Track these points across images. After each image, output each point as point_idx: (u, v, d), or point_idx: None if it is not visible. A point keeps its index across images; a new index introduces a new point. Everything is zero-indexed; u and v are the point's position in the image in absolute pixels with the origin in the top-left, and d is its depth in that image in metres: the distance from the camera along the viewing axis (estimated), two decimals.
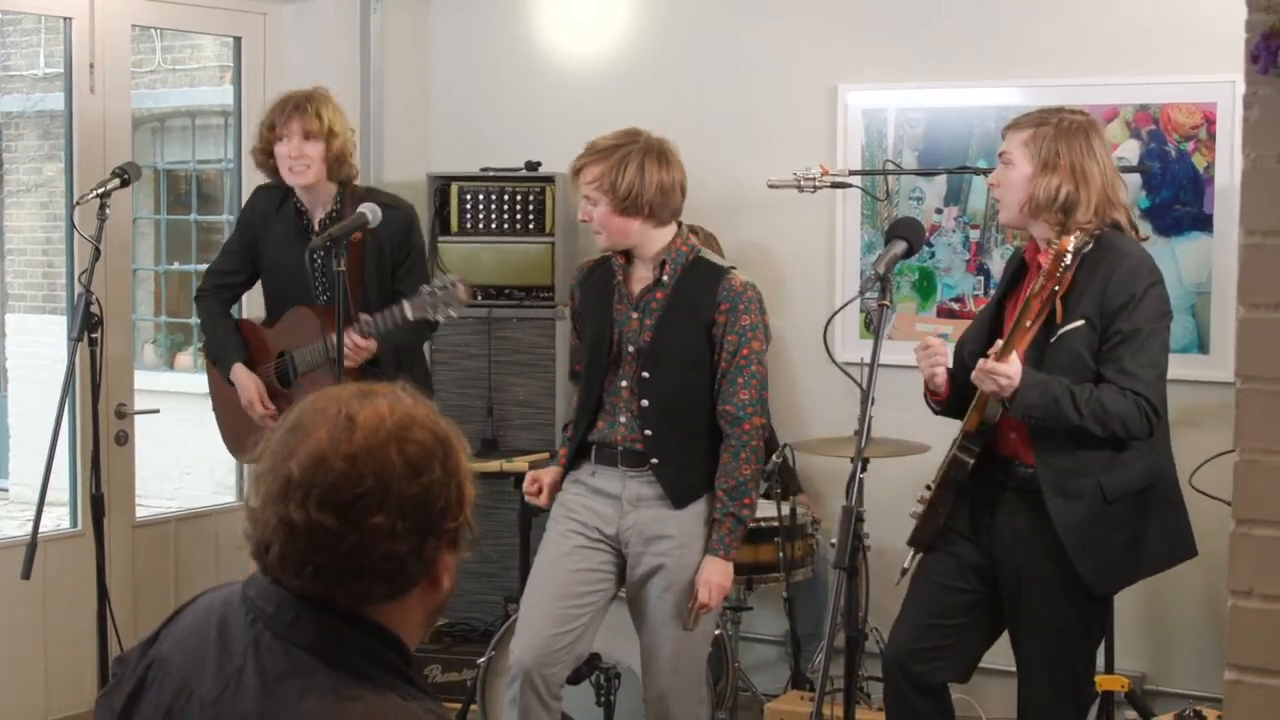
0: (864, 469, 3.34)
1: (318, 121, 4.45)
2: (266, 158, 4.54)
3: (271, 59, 5.92)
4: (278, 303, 4.65)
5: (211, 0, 5.71)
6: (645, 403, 3.95)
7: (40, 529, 4.04)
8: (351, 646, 1.75)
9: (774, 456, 4.92)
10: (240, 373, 4.58)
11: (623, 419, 3.98)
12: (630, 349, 3.97)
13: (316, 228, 4.53)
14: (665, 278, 3.96)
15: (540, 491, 4.08)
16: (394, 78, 6.16)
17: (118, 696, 1.88)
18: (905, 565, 3.88)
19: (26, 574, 3.85)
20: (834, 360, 3.47)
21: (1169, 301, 3.69)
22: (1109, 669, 4.62)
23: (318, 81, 5.92)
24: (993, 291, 5.09)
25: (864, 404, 3.15)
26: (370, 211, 4.06)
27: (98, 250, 4.01)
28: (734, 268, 4.01)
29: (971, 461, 3.61)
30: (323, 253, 4.38)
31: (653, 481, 3.98)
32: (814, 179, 5.02)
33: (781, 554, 4.88)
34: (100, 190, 4.07)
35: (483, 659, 4.64)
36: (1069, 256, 3.35)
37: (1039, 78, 5.15)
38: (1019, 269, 3.82)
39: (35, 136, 9.75)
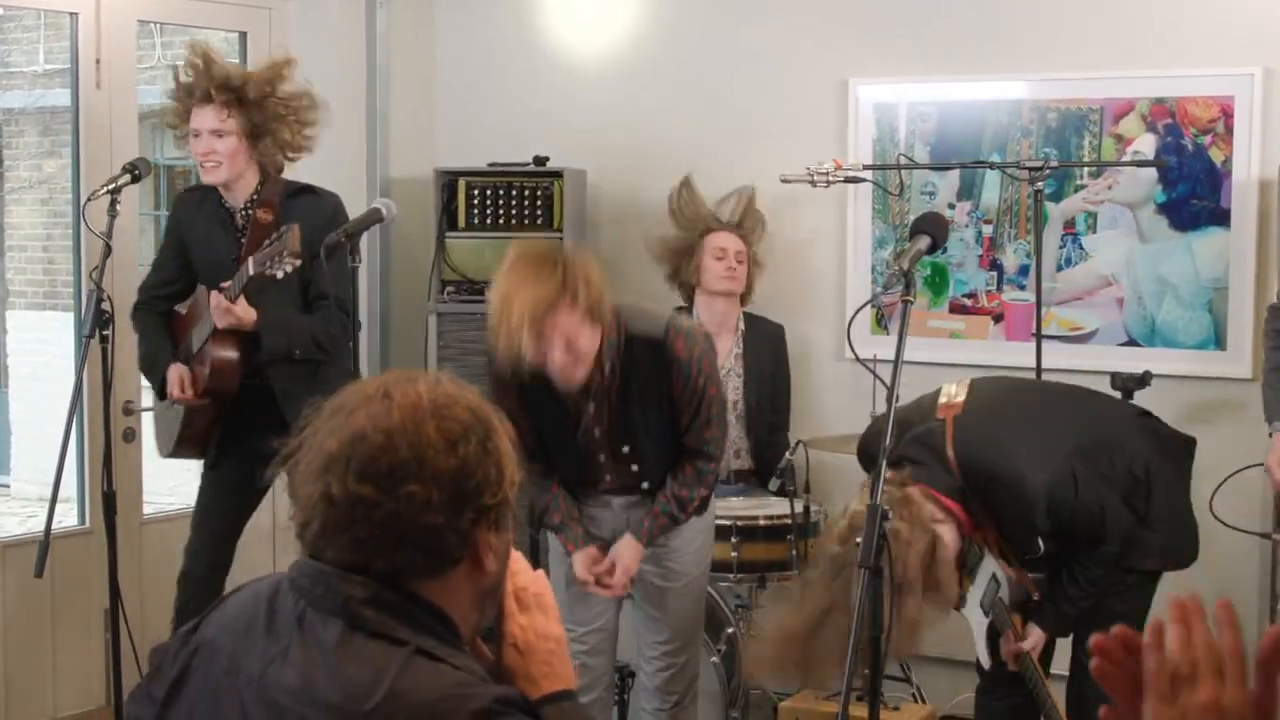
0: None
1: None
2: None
3: (276, 54, 5.86)
4: None
5: None
6: (635, 467, 3.98)
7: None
8: (382, 607, 1.77)
9: (787, 454, 4.89)
10: (171, 368, 4.47)
11: (609, 476, 4.01)
12: (597, 432, 3.92)
13: (238, 221, 4.46)
14: (607, 368, 3.82)
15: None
16: (400, 73, 6.12)
17: (159, 684, 1.89)
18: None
19: (40, 572, 3.82)
20: (857, 358, 3.44)
21: (1093, 476, 3.66)
22: None
23: (323, 77, 5.91)
24: (1005, 295, 5.09)
25: (889, 402, 3.11)
26: (385, 208, 4.02)
27: (108, 247, 3.97)
28: (667, 329, 3.85)
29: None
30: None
31: (642, 499, 4.03)
32: (827, 173, 4.99)
33: (794, 552, 4.84)
34: (112, 186, 4.03)
35: None
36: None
37: (1052, 70, 5.12)
38: None
39: (35, 133, 9.71)
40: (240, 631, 1.84)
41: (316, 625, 1.78)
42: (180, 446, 4.56)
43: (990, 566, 3.76)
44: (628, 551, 3.98)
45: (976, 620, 3.81)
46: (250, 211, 4.44)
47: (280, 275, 4.05)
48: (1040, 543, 3.62)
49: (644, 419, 3.92)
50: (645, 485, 4.01)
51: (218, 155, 4.33)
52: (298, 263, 4.03)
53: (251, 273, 4.13)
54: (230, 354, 4.35)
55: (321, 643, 1.76)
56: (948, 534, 3.52)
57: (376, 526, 1.76)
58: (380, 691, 1.70)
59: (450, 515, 1.78)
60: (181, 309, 4.58)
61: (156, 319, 4.60)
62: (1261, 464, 4.38)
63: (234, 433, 4.51)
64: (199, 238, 4.48)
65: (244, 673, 1.80)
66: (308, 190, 4.55)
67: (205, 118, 4.32)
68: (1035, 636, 3.70)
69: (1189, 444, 3.90)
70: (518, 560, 1.99)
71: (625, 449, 3.96)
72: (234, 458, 4.51)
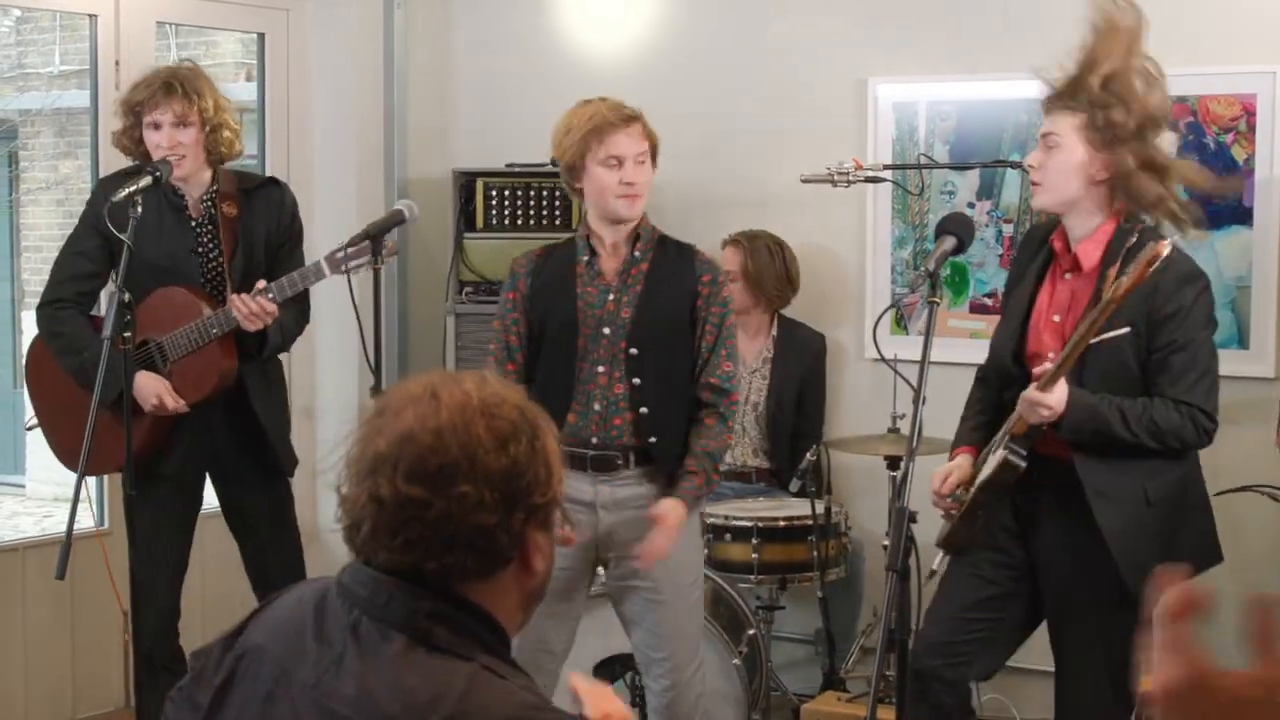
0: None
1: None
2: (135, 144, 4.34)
3: (295, 55, 5.88)
4: (150, 291, 4.27)
5: None
6: (637, 380, 3.85)
7: (63, 526, 3.96)
8: (447, 624, 1.77)
9: (808, 454, 4.88)
10: (140, 376, 4.21)
11: (597, 407, 3.86)
12: (606, 330, 3.87)
13: (199, 212, 4.36)
14: (638, 253, 3.91)
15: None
16: (417, 73, 6.12)
17: (202, 690, 1.87)
18: (934, 567, 3.80)
19: (61, 574, 3.79)
20: (884, 359, 3.43)
21: (1214, 304, 3.64)
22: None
23: (341, 78, 5.93)
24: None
25: (916, 403, 3.10)
26: (407, 209, 4.01)
27: (130, 249, 3.95)
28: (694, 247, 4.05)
29: (1023, 465, 3.49)
30: (203, 240, 4.33)
31: (625, 484, 3.88)
32: (847, 173, 4.97)
33: (816, 553, 4.83)
34: (133, 188, 4.01)
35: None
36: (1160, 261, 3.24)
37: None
38: (1047, 259, 3.70)
39: (51, 134, 9.72)
40: (289, 637, 1.83)
41: (374, 634, 1.77)
42: (132, 462, 4.17)
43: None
44: (671, 511, 3.76)
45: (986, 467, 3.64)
46: (211, 205, 4.34)
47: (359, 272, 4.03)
48: (1125, 330, 3.43)
49: (663, 318, 3.87)
50: (644, 410, 3.83)
51: (183, 147, 4.22)
52: (390, 261, 4.00)
53: (329, 274, 4.06)
54: (234, 359, 4.26)
55: (381, 653, 1.75)
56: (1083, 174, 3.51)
57: (428, 528, 1.75)
58: (445, 707, 1.69)
59: (503, 515, 1.77)
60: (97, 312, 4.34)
61: (85, 320, 4.36)
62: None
63: (194, 439, 4.35)
64: (147, 229, 4.18)
65: (297, 680, 1.79)
66: (270, 181, 4.51)
67: (167, 110, 4.22)
68: (1055, 395, 3.39)
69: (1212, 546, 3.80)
70: (608, 695, 2.00)
71: (634, 350, 3.85)
72: (192, 465, 4.39)
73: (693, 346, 3.89)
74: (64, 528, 3.87)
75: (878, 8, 5.44)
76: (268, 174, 5.46)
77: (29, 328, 9.73)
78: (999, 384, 3.79)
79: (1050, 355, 3.57)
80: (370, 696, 1.73)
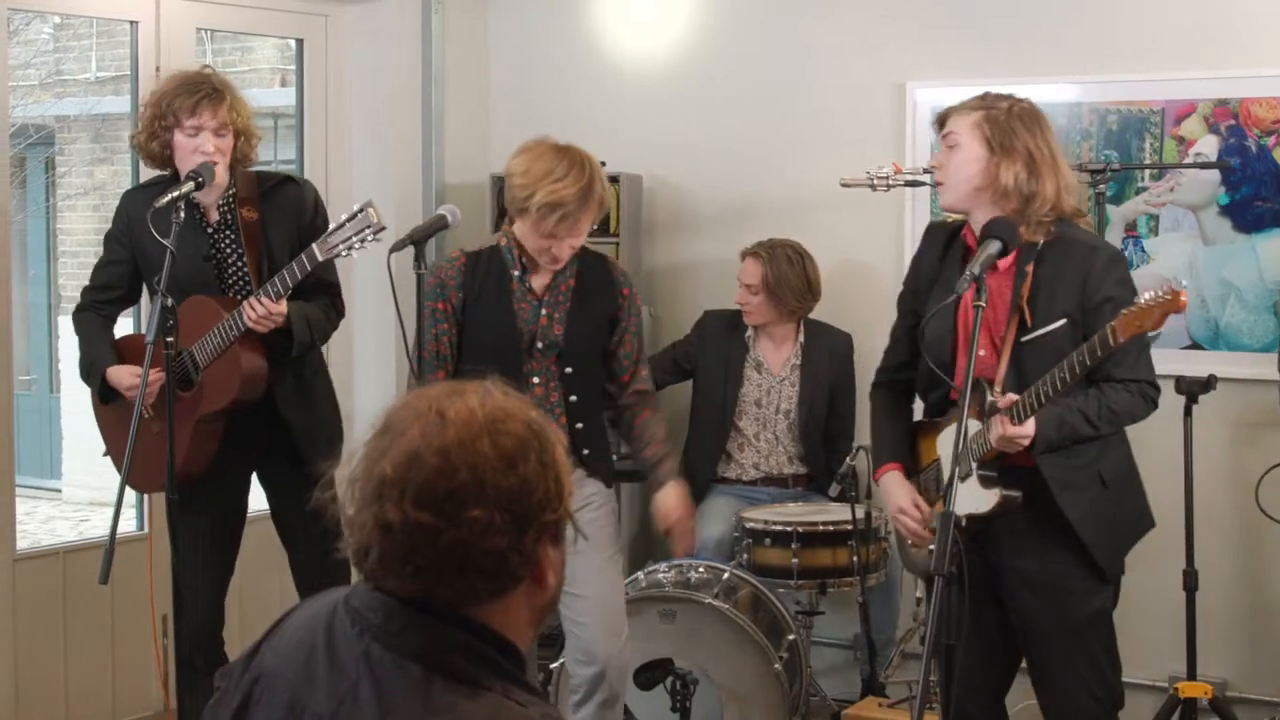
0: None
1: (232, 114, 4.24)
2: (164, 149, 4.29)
3: (333, 61, 5.90)
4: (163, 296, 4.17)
5: (274, 3, 5.70)
6: (574, 398, 4.05)
7: (99, 530, 3.98)
8: (465, 653, 1.72)
9: (847, 459, 4.86)
10: (112, 373, 4.27)
11: None
12: (540, 345, 4.02)
13: (214, 217, 4.31)
14: (565, 269, 4.05)
15: None
16: (455, 78, 6.13)
17: (223, 712, 1.85)
18: (918, 595, 3.74)
19: (104, 579, 3.81)
20: (930, 363, 3.41)
21: (1131, 275, 3.58)
22: (1191, 675, 4.54)
23: (379, 83, 5.93)
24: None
25: (961, 407, 3.09)
26: (450, 214, 4.01)
27: (172, 255, 3.95)
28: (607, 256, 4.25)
29: (1021, 496, 3.42)
30: (216, 245, 4.29)
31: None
32: (887, 177, 4.95)
33: (856, 558, 4.81)
34: (176, 193, 4.02)
35: (556, 664, 4.60)
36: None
37: (1111, 73, 5.08)
38: (964, 255, 3.61)
39: (88, 140, 9.78)
40: (300, 663, 1.78)
41: (389, 664, 1.72)
42: (183, 474, 4.15)
43: (951, 434, 3.47)
44: (682, 495, 4.16)
45: (965, 497, 3.47)
46: (230, 209, 4.30)
47: (354, 255, 4.03)
48: (1062, 322, 3.40)
49: (591, 334, 4.07)
50: (579, 425, 4.04)
51: (219, 153, 4.20)
52: (380, 238, 3.99)
53: (321, 258, 4.02)
54: (262, 360, 4.22)
55: (398, 685, 1.71)
56: (980, 168, 3.51)
57: (439, 554, 1.69)
58: None
59: (514, 536, 1.71)
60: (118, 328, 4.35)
61: (100, 322, 4.40)
62: None
63: (237, 447, 4.32)
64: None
65: (310, 711, 1.75)
66: (287, 180, 4.48)
67: (209, 115, 4.19)
68: (1027, 426, 3.35)
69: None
70: None
71: (569, 369, 4.04)
72: (235, 472, 4.38)
73: (606, 359, 4.13)
74: (100, 532, 3.89)
75: (916, 11, 5.43)
76: (304, 179, 5.47)
77: (65, 332, 9.84)
78: (929, 383, 3.68)
79: (981, 353, 3.50)
80: None
